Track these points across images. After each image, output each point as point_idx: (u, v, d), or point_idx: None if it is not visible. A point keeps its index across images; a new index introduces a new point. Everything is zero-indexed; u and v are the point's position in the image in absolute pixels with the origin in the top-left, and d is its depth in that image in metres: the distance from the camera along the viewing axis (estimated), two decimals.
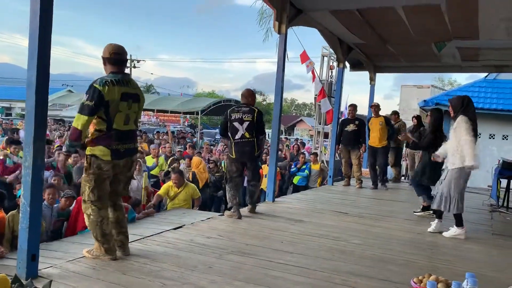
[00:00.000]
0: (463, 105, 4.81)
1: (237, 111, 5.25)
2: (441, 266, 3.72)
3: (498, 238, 5.02)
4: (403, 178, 11.13)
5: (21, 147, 6.78)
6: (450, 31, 7.48)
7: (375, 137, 8.51)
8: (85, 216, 3.36)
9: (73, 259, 3.34)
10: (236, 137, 5.20)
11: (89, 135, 3.25)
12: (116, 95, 3.16)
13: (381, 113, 8.80)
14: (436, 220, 5.03)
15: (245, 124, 5.16)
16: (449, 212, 4.77)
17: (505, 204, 6.87)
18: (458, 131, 4.67)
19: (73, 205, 5.07)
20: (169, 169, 7.83)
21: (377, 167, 8.71)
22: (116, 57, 3.31)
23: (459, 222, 4.82)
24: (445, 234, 4.87)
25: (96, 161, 3.21)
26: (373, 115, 8.74)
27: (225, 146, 5.45)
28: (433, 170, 5.42)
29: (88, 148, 3.25)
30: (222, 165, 9.15)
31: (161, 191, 6.51)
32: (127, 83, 3.28)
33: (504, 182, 7.12)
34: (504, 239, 4.99)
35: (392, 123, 8.86)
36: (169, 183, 6.58)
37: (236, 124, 5.20)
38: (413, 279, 3.00)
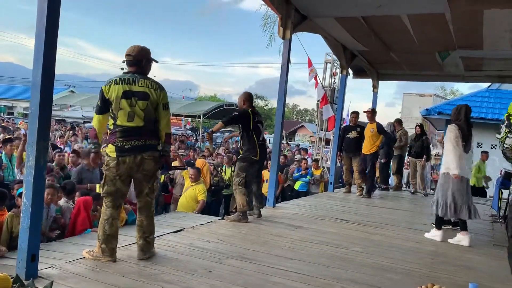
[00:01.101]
0: (455, 113, 4.99)
1: (256, 113, 5.33)
2: (442, 275, 3.70)
3: (499, 249, 4.99)
4: (404, 186, 11.11)
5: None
6: (454, 41, 7.49)
7: (365, 144, 8.39)
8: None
9: (73, 260, 3.34)
10: (260, 138, 5.30)
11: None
12: (117, 93, 3.26)
13: (384, 121, 8.76)
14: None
15: (263, 128, 5.39)
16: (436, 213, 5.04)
17: (507, 214, 6.84)
18: (445, 139, 4.89)
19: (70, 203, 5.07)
20: None
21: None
22: (128, 59, 3.42)
23: (437, 224, 5.11)
24: (425, 234, 5.22)
25: (106, 158, 3.35)
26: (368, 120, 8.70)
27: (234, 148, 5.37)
28: None
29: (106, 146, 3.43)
30: (224, 168, 9.13)
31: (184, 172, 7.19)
32: (133, 81, 3.32)
33: (506, 193, 7.10)
34: (505, 250, 4.97)
35: (385, 131, 8.67)
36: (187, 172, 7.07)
37: (260, 126, 5.30)
38: None
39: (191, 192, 6.82)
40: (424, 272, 3.76)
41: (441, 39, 7.48)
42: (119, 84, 3.29)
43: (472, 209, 4.88)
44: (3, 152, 6.69)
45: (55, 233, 4.43)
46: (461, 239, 4.96)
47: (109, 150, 3.32)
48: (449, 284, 3.24)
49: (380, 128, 8.37)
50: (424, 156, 9.28)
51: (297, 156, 12.14)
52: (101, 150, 4.02)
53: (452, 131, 4.82)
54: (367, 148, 8.34)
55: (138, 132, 3.35)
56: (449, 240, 5.02)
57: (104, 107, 3.31)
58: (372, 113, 8.49)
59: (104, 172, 3.39)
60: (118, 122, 3.30)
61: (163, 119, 3.50)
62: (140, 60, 3.42)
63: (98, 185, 5.40)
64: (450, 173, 4.82)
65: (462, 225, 5.01)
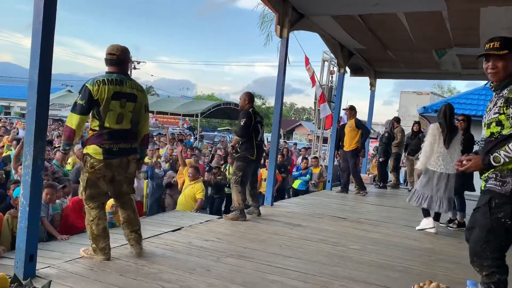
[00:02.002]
0: (438, 113, 5.31)
1: (256, 113, 5.36)
2: (440, 273, 3.71)
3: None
4: (402, 183, 11.13)
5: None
6: (451, 38, 7.51)
7: (345, 140, 8.38)
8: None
9: (71, 259, 3.34)
10: (258, 138, 5.33)
11: (87, 134, 3.33)
12: (107, 94, 3.19)
13: (379, 119, 8.77)
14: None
15: (262, 128, 5.42)
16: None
17: None
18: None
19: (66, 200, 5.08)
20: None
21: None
22: (112, 58, 3.35)
23: (424, 213, 5.43)
24: (417, 228, 5.44)
25: (90, 159, 3.25)
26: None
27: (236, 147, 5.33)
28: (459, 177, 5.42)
29: (85, 147, 3.31)
30: (227, 167, 9.11)
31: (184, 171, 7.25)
32: (121, 82, 3.30)
33: None
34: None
35: (363, 124, 8.60)
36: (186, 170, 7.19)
37: (259, 126, 5.33)
38: (414, 286, 2.99)
39: (190, 191, 6.84)
40: (422, 270, 3.77)
41: (438, 37, 7.50)
42: (108, 84, 3.21)
43: (445, 203, 5.13)
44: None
45: (65, 237, 4.41)
46: (426, 224, 5.35)
47: (95, 152, 3.23)
48: (446, 281, 3.25)
49: (357, 122, 8.32)
50: None
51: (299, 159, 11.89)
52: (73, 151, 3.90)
53: (430, 129, 5.22)
54: (347, 144, 8.33)
55: (125, 135, 3.36)
56: (417, 228, 5.43)
57: (88, 107, 3.17)
58: (350, 110, 8.48)
59: (85, 174, 3.28)
60: (106, 124, 3.23)
61: (146, 121, 3.56)
62: (123, 59, 3.42)
63: None
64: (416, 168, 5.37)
65: (425, 213, 5.37)
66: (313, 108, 15.35)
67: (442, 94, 38.82)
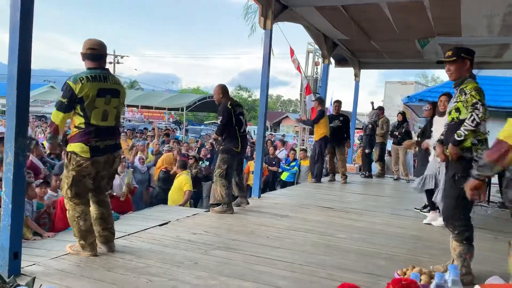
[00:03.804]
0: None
1: (236, 105, 5.32)
2: (424, 259, 3.77)
3: (479, 231, 5.07)
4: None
5: None
6: (433, 28, 7.58)
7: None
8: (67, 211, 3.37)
9: (57, 256, 3.31)
10: (241, 130, 5.29)
11: (71, 131, 3.24)
12: (91, 91, 3.13)
13: (364, 109, 8.86)
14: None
15: (244, 119, 5.36)
16: None
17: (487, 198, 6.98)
18: None
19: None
20: None
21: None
22: (92, 52, 3.28)
23: (431, 206, 5.28)
24: (424, 221, 5.33)
25: (76, 157, 3.20)
26: None
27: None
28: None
29: (68, 144, 3.25)
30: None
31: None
32: (105, 78, 3.26)
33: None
34: (484, 232, 5.07)
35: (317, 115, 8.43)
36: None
37: (241, 118, 5.29)
38: (397, 272, 3.04)
39: (176, 184, 6.91)
40: (408, 257, 3.83)
41: (420, 26, 7.56)
42: (92, 81, 3.15)
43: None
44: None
45: (51, 234, 4.38)
46: (432, 218, 5.24)
47: (81, 150, 3.18)
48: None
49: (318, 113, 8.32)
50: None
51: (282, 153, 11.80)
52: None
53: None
54: (314, 135, 8.43)
55: (111, 131, 3.34)
56: (424, 221, 5.29)
57: (71, 105, 3.11)
58: (319, 101, 8.53)
59: (70, 172, 3.23)
60: (92, 122, 3.19)
61: (121, 115, 3.54)
62: (104, 54, 3.38)
63: None
64: None
65: (433, 205, 5.22)
66: (299, 99, 15.38)
67: (427, 83, 39.20)
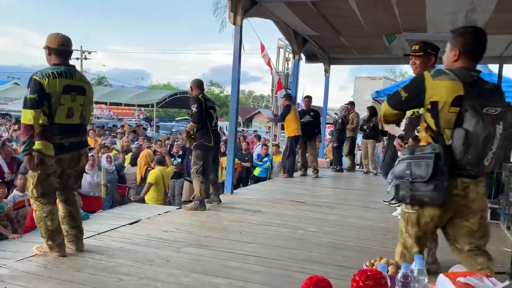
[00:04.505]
0: None
1: (207, 99, 5.29)
2: (394, 250, 3.86)
3: None
4: (357, 167, 11.46)
5: None
6: (400, 24, 7.73)
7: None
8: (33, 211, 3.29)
9: (23, 258, 3.23)
10: (213, 124, 5.26)
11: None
12: (58, 87, 3.07)
13: (334, 104, 8.99)
14: None
15: (215, 114, 5.34)
16: None
17: None
18: None
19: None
20: None
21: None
22: (63, 49, 3.22)
23: None
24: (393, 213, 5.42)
25: (39, 156, 3.12)
26: None
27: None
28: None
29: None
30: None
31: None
32: (71, 75, 3.19)
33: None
34: None
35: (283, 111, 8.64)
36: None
37: (212, 111, 5.25)
38: (365, 263, 3.10)
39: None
40: (377, 248, 3.92)
41: (388, 22, 7.70)
42: (58, 77, 3.09)
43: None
44: None
45: (17, 236, 4.24)
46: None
47: (45, 148, 3.11)
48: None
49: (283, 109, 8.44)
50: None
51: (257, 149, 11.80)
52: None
53: None
54: (286, 130, 8.52)
55: (76, 129, 3.28)
56: (393, 213, 5.40)
57: (41, 101, 3.04)
58: (287, 97, 8.64)
59: (34, 172, 3.14)
60: (57, 120, 3.12)
61: (90, 113, 3.52)
62: (71, 51, 3.33)
63: None
64: None
65: None
66: (271, 95, 15.42)
67: (395, 78, 40.03)
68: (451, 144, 2.18)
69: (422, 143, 2.34)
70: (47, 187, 3.21)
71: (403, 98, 2.36)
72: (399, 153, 5.29)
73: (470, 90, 2.17)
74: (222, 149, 9.83)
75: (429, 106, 2.25)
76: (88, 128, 3.62)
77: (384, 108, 2.48)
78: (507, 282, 1.58)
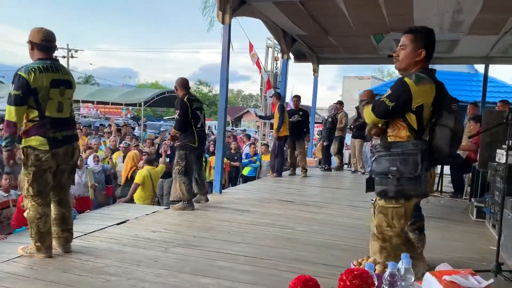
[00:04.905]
0: None
1: (194, 100, 5.24)
2: None
3: (432, 220, 5.32)
4: (346, 166, 11.52)
5: None
6: (388, 24, 7.79)
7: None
8: (25, 210, 3.23)
9: (8, 259, 3.18)
10: (198, 125, 5.21)
11: (23, 126, 3.11)
12: (45, 82, 3.05)
13: (323, 103, 9.03)
14: None
15: (203, 114, 5.29)
16: None
17: (439, 188, 7.30)
18: None
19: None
20: None
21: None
22: (47, 44, 3.19)
23: None
24: None
25: (33, 152, 3.08)
26: None
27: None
28: None
29: (23, 140, 3.11)
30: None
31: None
32: (57, 69, 3.17)
33: (438, 168, 7.57)
34: (436, 220, 5.31)
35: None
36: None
37: (198, 112, 5.20)
38: (353, 262, 3.12)
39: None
40: (365, 247, 3.89)
41: (375, 22, 7.75)
42: (44, 72, 3.06)
43: None
44: None
45: (1, 237, 4.18)
46: None
47: (39, 143, 3.08)
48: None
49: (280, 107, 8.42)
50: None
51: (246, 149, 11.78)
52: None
53: None
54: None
55: (67, 122, 3.25)
56: None
57: (26, 97, 3.00)
58: (277, 96, 8.66)
59: (29, 169, 3.10)
60: (47, 114, 3.09)
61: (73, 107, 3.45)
62: (55, 47, 3.29)
63: None
64: None
65: None
66: (260, 94, 15.43)
67: (383, 78, 40.37)
68: (433, 140, 2.43)
69: (395, 140, 2.48)
70: (43, 184, 3.16)
71: (390, 108, 2.43)
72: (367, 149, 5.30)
73: (439, 90, 2.42)
74: (211, 149, 9.84)
75: (414, 110, 2.40)
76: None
77: (371, 118, 2.54)
78: (491, 280, 1.60)
